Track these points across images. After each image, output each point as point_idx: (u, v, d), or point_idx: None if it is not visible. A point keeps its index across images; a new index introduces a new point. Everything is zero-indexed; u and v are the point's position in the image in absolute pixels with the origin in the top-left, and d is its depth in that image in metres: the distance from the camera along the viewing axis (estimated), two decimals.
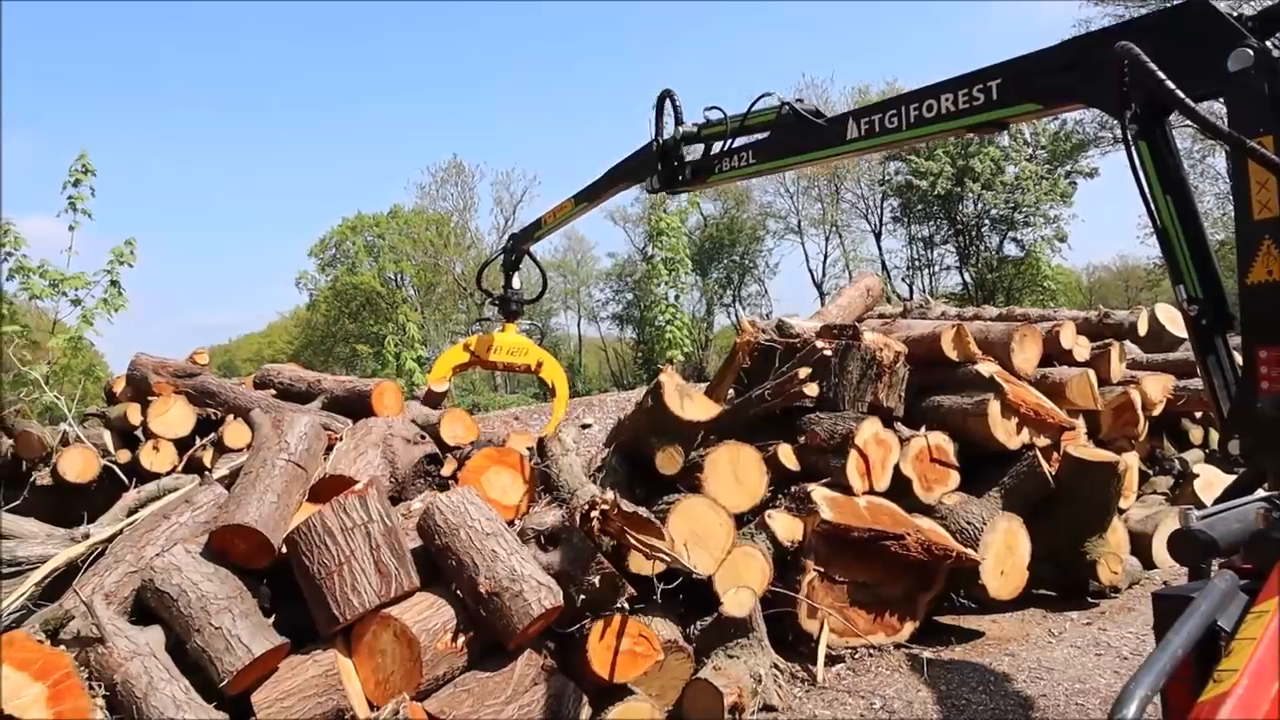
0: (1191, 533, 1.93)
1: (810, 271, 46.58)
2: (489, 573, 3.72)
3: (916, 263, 45.13)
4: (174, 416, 6.19)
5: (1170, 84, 2.18)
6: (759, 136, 4.27)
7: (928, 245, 44.77)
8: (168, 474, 5.74)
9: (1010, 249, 41.83)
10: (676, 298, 37.51)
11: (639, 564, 4.43)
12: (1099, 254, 78.03)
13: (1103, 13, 32.92)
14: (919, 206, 42.45)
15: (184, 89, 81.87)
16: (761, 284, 49.31)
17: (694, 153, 4.73)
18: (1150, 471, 7.67)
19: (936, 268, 45.01)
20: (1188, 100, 2.18)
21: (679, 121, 4.77)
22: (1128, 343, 7.89)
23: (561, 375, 7.16)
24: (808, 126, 3.87)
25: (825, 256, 46.49)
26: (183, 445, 6.17)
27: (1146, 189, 2.45)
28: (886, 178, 42.91)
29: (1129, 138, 2.43)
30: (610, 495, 4.20)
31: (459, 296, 47.99)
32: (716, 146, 4.54)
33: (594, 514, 4.25)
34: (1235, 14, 2.25)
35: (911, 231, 44.92)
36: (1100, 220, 73.11)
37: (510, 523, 4.27)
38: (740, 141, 4.36)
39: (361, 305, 45.97)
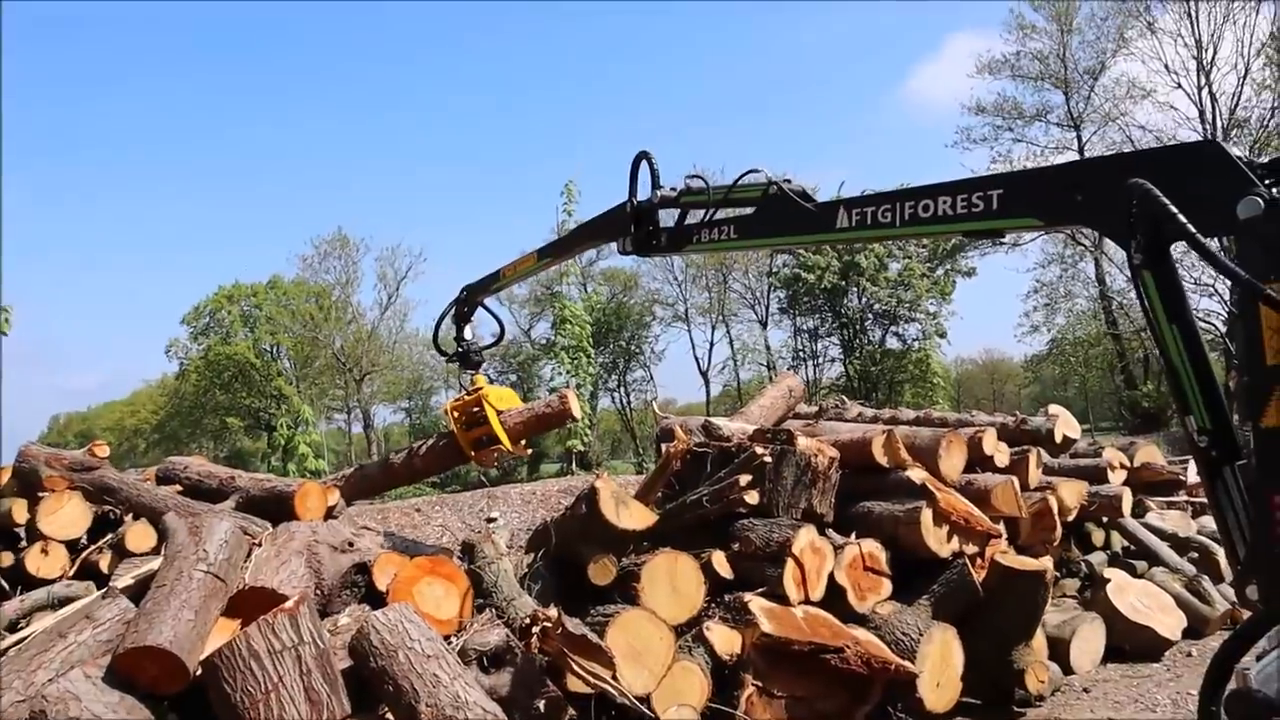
0: (1251, 694, 1.91)
1: (696, 359, 47.27)
2: (430, 699, 3.48)
3: (801, 354, 46.43)
4: (67, 515, 5.65)
5: (1183, 219, 2.21)
6: (743, 211, 4.14)
7: (813, 337, 46.22)
8: (57, 580, 5.27)
9: (892, 342, 43.36)
10: (579, 386, 37.37)
11: (576, 684, 4.24)
12: (966, 348, 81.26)
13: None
14: (805, 299, 43.75)
15: (70, 139, 79.80)
16: (647, 369, 49.96)
17: (669, 216, 4.56)
18: (1059, 574, 7.82)
19: (820, 359, 46.37)
20: (1201, 239, 2.20)
21: (656, 184, 4.58)
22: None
23: None
24: (796, 209, 3.76)
25: (711, 345, 47.35)
26: (74, 547, 5.68)
27: (1153, 319, 2.45)
28: (774, 269, 44.14)
29: (1135, 267, 2.45)
30: (554, 613, 4.03)
31: (337, 371, 46.89)
32: (695, 215, 4.37)
33: (534, 631, 4.08)
34: (1246, 160, 2.30)
35: (797, 323, 46.30)
36: (969, 315, 75.85)
37: (447, 638, 4.04)
38: (722, 214, 4.21)
39: (234, 376, 44.73)
